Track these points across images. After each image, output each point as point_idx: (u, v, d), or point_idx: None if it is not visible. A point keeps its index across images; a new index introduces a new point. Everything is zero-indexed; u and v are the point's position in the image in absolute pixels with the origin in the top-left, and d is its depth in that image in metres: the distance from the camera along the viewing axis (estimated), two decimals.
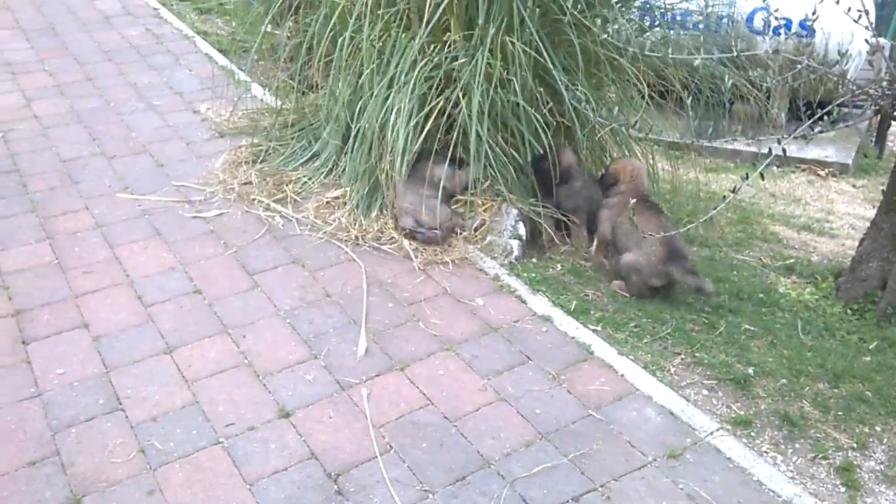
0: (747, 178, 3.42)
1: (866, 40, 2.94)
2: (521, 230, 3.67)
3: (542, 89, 3.75)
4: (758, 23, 6.49)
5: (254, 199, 3.94)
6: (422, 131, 3.54)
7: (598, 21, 3.78)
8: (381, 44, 3.78)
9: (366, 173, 3.77)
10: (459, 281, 3.37)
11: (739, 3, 5.98)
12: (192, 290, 3.30)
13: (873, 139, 7.37)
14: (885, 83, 2.85)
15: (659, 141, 4.34)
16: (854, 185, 6.36)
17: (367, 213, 3.74)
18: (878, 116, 5.87)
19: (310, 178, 4.07)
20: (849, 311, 3.47)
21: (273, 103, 4.78)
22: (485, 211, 3.74)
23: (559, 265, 3.61)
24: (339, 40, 3.82)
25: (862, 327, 3.36)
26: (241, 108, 4.86)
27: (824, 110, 2.95)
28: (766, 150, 2.98)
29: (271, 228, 3.73)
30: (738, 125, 5.36)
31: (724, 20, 5.83)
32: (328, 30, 3.88)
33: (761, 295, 3.57)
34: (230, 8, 7.29)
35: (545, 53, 3.52)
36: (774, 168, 6.33)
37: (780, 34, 6.14)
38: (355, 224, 3.70)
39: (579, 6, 3.58)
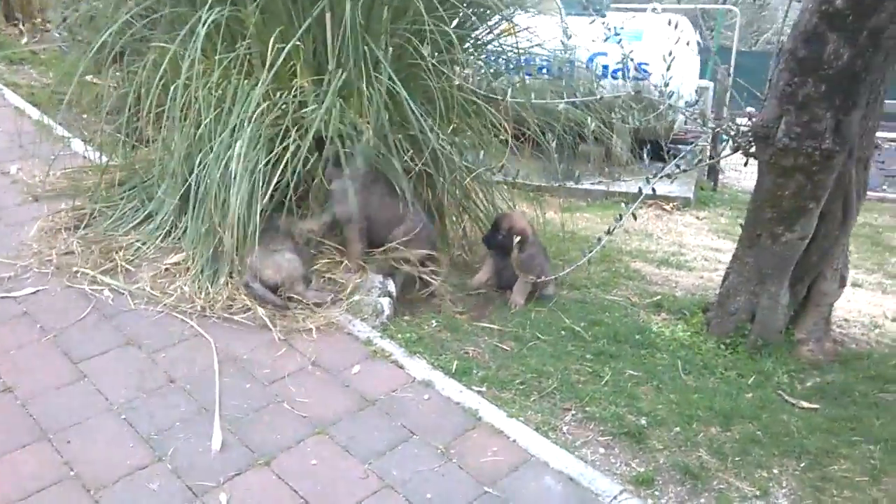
0: (621, 219, 3.39)
1: (730, 87, 3.01)
2: (391, 286, 3.39)
3: (400, 135, 3.55)
4: (598, 67, 6.75)
5: (76, 272, 3.39)
6: (269, 183, 3.21)
7: (457, 68, 3.66)
8: (220, 91, 3.42)
9: (209, 234, 3.35)
10: (327, 349, 3.02)
11: (580, 47, 6.17)
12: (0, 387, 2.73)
13: (706, 173, 7.83)
14: (744, 121, 2.89)
15: (523, 184, 4.29)
16: (698, 217, 6.65)
17: (213, 280, 3.32)
18: (709, 151, 6.18)
19: (144, 243, 3.59)
20: (721, 346, 3.47)
21: (97, 160, 4.23)
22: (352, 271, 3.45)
23: (434, 321, 3.36)
24: (172, 88, 3.42)
25: (737, 361, 3.36)
26: (58, 167, 4.29)
27: (688, 149, 2.97)
28: (616, 189, 2.94)
29: (99, 305, 3.21)
30: (588, 164, 5.45)
31: (568, 64, 5.97)
32: (158, 77, 3.47)
33: (637, 336, 3.50)
34: (45, 57, 6.62)
35: (401, 97, 3.32)
36: (623, 204, 6.58)
37: (617, 78, 6.39)
38: (200, 293, 3.27)
39: (437, 52, 3.43)
